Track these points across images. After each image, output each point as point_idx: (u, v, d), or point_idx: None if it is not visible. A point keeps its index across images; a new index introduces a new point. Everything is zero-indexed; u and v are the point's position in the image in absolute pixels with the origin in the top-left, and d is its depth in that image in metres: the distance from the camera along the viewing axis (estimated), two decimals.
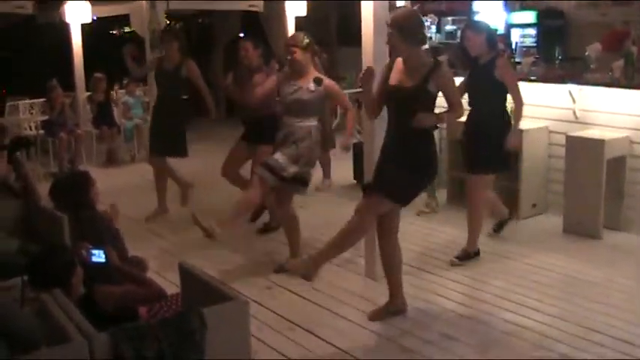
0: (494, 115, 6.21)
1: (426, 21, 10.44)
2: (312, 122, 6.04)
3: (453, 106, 4.99)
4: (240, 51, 7.22)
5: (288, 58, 6.02)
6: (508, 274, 5.91)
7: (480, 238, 6.51)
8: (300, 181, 6.03)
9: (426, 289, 5.69)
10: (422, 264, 6.22)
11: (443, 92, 4.95)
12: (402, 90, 4.94)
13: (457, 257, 6.28)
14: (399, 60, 5.01)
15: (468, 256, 6.30)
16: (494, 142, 6.13)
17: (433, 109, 4.94)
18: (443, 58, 6.29)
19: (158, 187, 8.17)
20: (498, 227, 6.90)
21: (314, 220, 7.25)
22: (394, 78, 5.02)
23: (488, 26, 6.60)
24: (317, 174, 8.71)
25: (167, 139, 7.82)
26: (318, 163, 8.29)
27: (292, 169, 5.90)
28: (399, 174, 4.93)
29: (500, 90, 6.18)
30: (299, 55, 5.97)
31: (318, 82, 6.01)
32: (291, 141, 5.98)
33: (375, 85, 5.12)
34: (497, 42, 6.50)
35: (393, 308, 5.24)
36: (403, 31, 4.87)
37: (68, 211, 4.66)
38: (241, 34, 15.24)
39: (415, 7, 6.85)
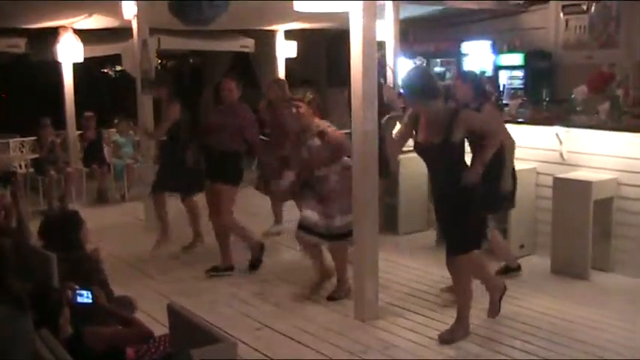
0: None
1: (414, 63, 10.58)
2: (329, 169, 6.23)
3: (487, 139, 5.25)
4: (222, 90, 7.30)
5: (293, 112, 6.31)
6: (498, 316, 5.90)
7: None
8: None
9: (412, 330, 5.68)
10: (410, 304, 6.22)
11: (472, 133, 5.22)
12: (432, 147, 5.21)
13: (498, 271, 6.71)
14: None
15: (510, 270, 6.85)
16: (487, 186, 6.22)
17: (463, 155, 5.27)
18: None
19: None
20: (503, 271, 6.88)
21: None
22: (421, 134, 5.30)
23: (475, 75, 6.89)
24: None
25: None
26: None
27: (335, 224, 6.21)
28: (462, 223, 5.29)
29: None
30: (304, 109, 6.24)
31: (321, 136, 6.24)
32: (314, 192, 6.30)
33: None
34: (483, 90, 6.71)
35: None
36: (415, 91, 5.17)
37: (57, 251, 4.65)
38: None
39: (422, 64, 7.12)
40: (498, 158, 6.28)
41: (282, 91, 8.31)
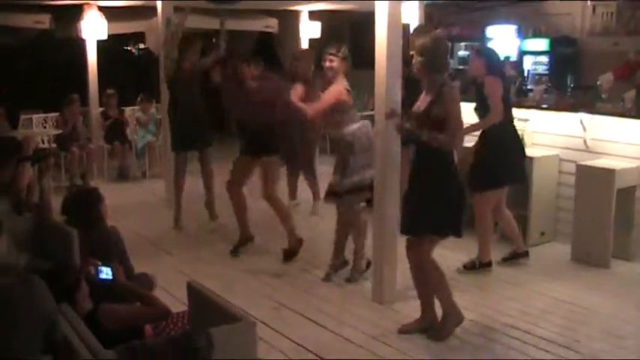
0: (492, 133, 6.41)
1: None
2: (345, 130, 6.21)
3: (448, 131, 4.91)
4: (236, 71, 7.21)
5: (326, 65, 6.21)
6: (515, 302, 5.89)
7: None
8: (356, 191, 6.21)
9: None
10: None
11: (444, 114, 4.93)
12: (416, 116, 5.05)
13: (464, 266, 6.61)
14: None
15: (474, 265, 6.59)
16: (494, 159, 6.33)
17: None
18: (455, 83, 6.34)
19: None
20: (509, 257, 6.88)
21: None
22: (417, 104, 5.15)
23: (492, 53, 6.85)
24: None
25: None
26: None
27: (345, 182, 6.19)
28: (431, 206, 5.06)
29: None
30: (336, 63, 6.18)
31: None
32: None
33: None
34: (498, 68, 6.66)
35: (424, 325, 5.33)
36: (424, 57, 5.02)
37: (78, 227, 4.69)
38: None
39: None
40: (502, 135, 6.43)
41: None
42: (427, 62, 5.02)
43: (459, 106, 5.04)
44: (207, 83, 8.22)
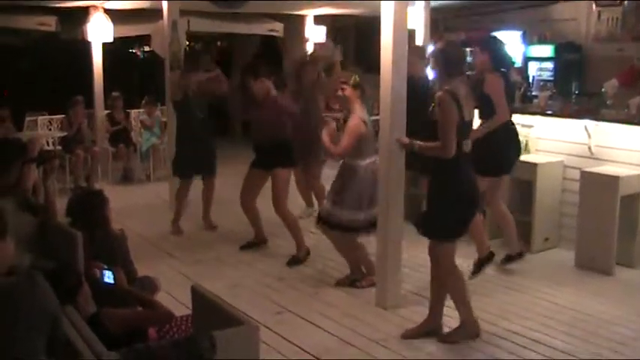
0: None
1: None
2: (359, 161, 6.22)
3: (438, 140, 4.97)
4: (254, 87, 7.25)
5: (338, 94, 6.32)
6: (518, 308, 5.89)
7: (489, 270, 6.56)
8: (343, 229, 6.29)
9: None
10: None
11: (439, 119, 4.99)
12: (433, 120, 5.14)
13: (502, 261, 6.86)
14: None
15: (512, 258, 6.81)
16: (492, 149, 6.36)
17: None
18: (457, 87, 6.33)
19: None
20: (506, 260, 6.88)
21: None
22: None
23: (496, 45, 6.86)
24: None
25: None
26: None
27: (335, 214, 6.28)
28: (437, 210, 5.14)
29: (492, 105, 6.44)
30: (349, 92, 6.23)
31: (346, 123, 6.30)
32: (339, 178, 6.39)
33: None
34: (504, 61, 6.78)
35: (426, 329, 5.35)
36: (438, 62, 5.14)
37: (82, 229, 4.70)
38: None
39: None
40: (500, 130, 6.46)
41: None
42: (440, 67, 5.12)
43: (449, 111, 4.90)
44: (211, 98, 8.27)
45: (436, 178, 5.14)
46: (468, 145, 5.06)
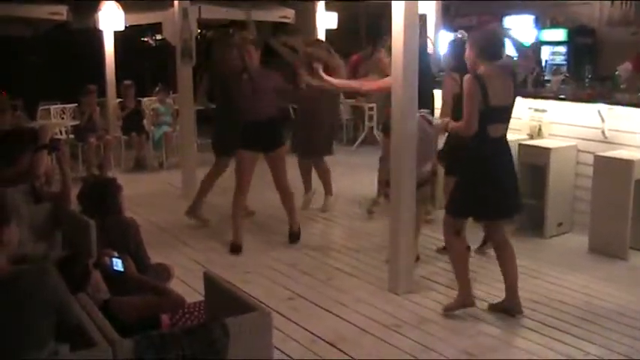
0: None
1: (455, 36, 10.46)
2: None
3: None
4: (242, 54, 7.09)
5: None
6: (532, 293, 5.86)
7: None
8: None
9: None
10: (444, 279, 6.20)
11: None
12: None
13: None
14: None
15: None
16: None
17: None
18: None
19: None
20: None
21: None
22: None
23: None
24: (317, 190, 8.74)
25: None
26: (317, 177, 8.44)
27: None
28: (455, 187, 5.47)
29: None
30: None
31: None
32: None
33: None
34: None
35: (506, 306, 5.50)
36: (474, 47, 5.23)
37: (95, 217, 4.71)
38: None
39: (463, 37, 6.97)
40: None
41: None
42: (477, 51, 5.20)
43: (470, 92, 5.02)
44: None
45: (464, 156, 5.38)
46: (495, 130, 5.10)
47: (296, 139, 8.68)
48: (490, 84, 5.01)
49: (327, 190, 8.64)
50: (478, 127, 5.03)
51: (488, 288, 5.90)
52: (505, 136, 5.22)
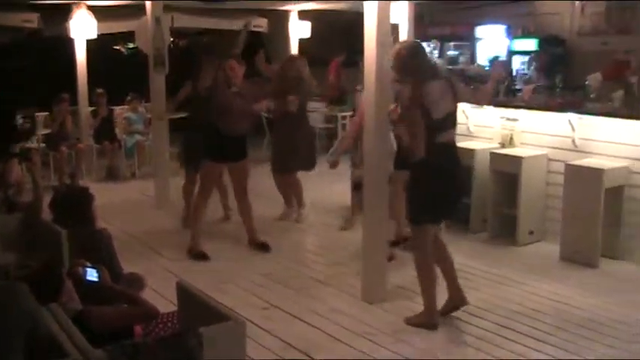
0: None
1: (429, 46, 10.54)
2: None
3: None
4: (225, 71, 7.16)
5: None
6: (504, 301, 5.91)
7: (473, 263, 6.62)
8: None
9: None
10: (418, 287, 6.21)
11: None
12: None
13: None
14: None
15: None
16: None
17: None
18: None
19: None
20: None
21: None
22: None
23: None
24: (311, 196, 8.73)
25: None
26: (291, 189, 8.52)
27: None
28: (411, 197, 5.49)
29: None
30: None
31: None
32: None
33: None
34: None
35: (451, 304, 5.58)
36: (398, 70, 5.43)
37: (67, 227, 4.67)
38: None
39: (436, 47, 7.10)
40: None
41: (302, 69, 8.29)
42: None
43: (411, 119, 5.26)
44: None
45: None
46: (443, 137, 5.20)
47: (275, 155, 8.66)
48: (428, 100, 5.10)
49: (299, 202, 8.64)
50: (428, 137, 5.13)
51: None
52: (453, 139, 5.42)
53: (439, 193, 5.25)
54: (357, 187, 6.68)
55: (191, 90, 7.98)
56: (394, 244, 6.94)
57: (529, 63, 11.57)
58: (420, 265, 5.43)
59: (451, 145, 5.35)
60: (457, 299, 5.59)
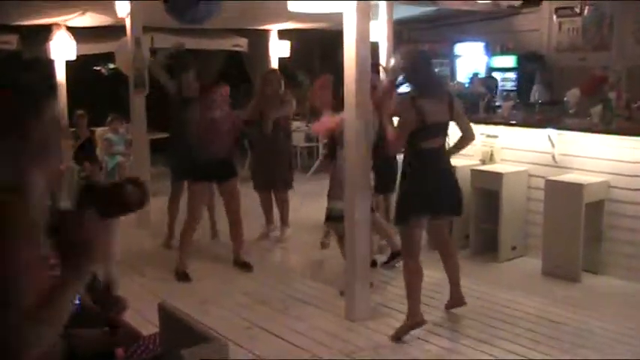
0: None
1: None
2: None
3: None
4: (220, 96, 7.26)
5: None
6: (486, 317, 5.91)
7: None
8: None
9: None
10: (401, 306, 6.21)
11: None
12: None
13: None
14: None
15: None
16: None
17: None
18: None
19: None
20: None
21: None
22: None
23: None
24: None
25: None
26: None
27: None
28: (398, 199, 5.76)
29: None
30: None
31: None
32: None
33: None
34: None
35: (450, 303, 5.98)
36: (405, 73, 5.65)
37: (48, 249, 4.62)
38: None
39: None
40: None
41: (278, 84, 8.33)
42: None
43: (403, 114, 5.53)
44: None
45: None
46: (429, 143, 5.44)
47: (256, 173, 8.68)
48: (425, 102, 5.36)
49: (284, 221, 8.62)
50: (415, 141, 5.41)
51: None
52: (442, 146, 5.62)
53: (418, 192, 5.46)
54: (328, 218, 6.68)
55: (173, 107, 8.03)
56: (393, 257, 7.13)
57: (537, 79, 11.61)
58: (405, 265, 5.62)
59: (437, 150, 5.51)
60: (455, 299, 5.89)
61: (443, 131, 5.53)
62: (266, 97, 8.16)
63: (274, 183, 8.41)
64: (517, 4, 12.34)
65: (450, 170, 5.71)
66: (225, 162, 7.34)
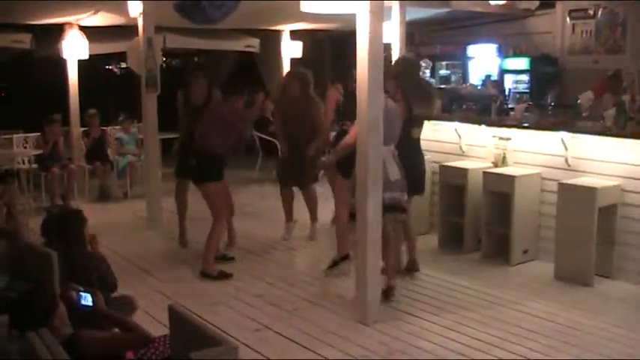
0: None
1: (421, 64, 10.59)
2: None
3: None
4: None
5: None
6: (499, 321, 5.88)
7: (466, 283, 6.59)
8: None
9: (416, 335, 5.65)
10: (413, 309, 6.19)
11: None
12: None
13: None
14: None
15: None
16: None
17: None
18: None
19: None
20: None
21: None
22: None
23: None
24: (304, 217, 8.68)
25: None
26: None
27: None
28: None
29: None
30: None
31: None
32: None
33: None
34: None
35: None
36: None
37: (59, 249, 4.63)
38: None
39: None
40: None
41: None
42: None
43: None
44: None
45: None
46: (415, 133, 6.83)
47: (280, 168, 8.67)
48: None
49: (313, 218, 8.59)
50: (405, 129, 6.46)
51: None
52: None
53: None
54: (352, 216, 6.61)
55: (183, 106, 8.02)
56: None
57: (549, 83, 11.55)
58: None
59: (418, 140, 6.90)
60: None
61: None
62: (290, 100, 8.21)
63: (298, 178, 8.41)
64: (535, 4, 12.26)
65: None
66: (204, 163, 7.29)
